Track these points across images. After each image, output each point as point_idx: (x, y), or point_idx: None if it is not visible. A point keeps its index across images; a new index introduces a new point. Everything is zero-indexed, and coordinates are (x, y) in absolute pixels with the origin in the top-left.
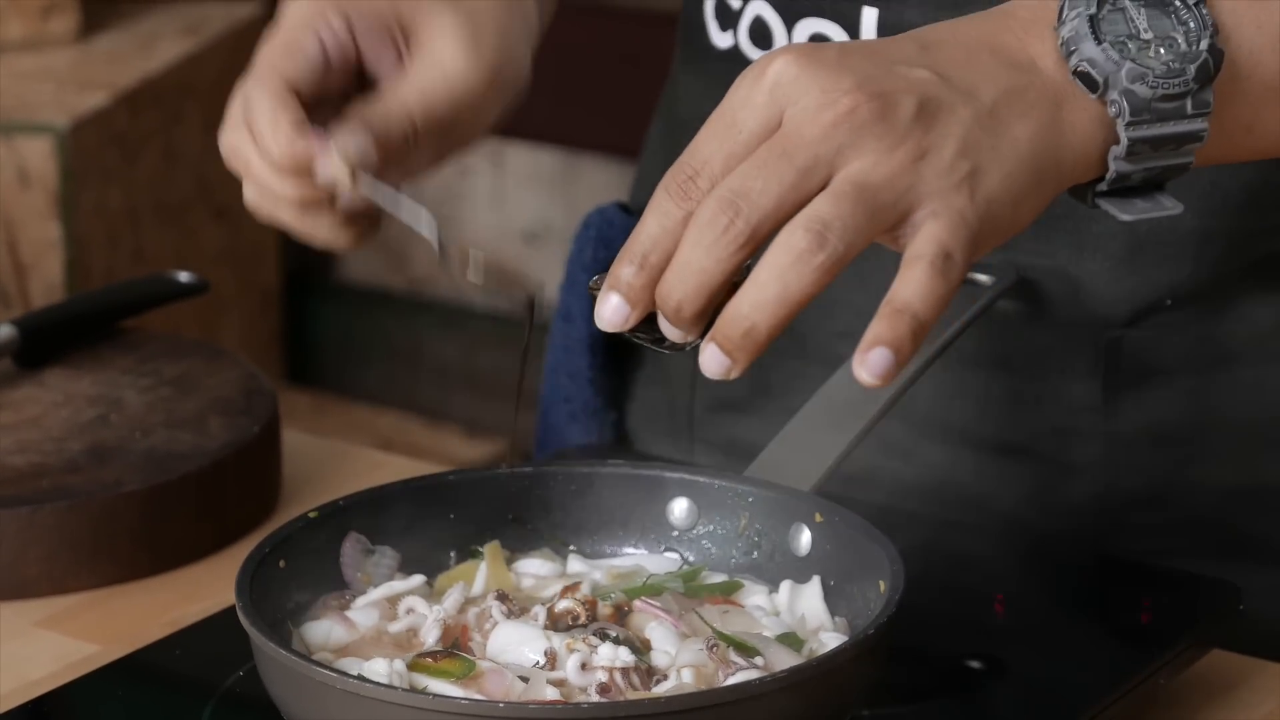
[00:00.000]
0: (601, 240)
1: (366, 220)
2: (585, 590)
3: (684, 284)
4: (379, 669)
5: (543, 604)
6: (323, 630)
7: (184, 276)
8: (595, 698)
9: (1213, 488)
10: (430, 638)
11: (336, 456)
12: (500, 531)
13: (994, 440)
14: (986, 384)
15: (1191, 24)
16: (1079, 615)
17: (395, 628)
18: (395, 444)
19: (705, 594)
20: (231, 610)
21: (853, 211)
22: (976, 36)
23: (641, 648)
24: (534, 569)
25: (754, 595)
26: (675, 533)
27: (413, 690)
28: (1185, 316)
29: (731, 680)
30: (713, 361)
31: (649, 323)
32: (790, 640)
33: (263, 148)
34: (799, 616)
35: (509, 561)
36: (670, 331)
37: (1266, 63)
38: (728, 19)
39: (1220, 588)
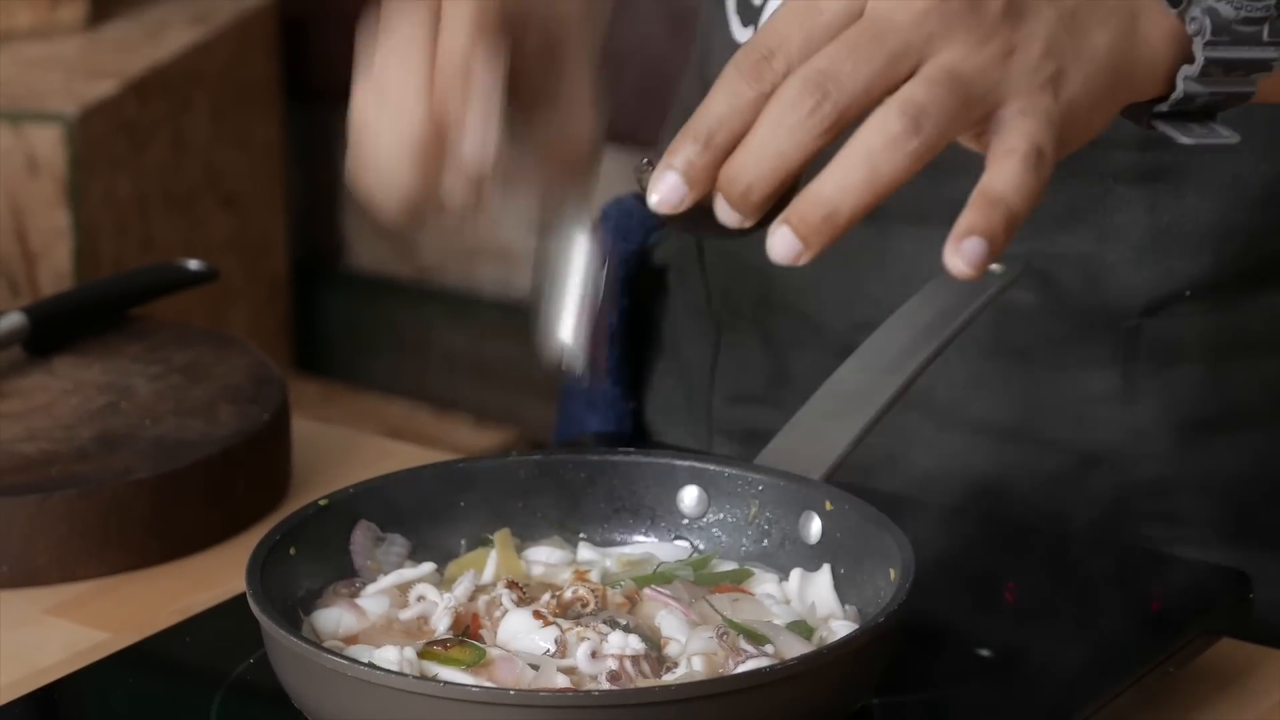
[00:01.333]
0: (619, 231)
1: (429, 208)
2: (595, 578)
3: (759, 165)
4: (389, 657)
5: (553, 591)
6: (333, 618)
7: (193, 264)
8: (605, 685)
9: (1229, 477)
10: (441, 625)
11: (346, 444)
12: (511, 519)
13: (1013, 429)
14: (1005, 373)
15: None
16: (1089, 603)
17: (406, 615)
18: (403, 433)
19: (715, 582)
20: (241, 598)
21: (948, 98)
22: None
23: (651, 636)
24: (544, 557)
25: (764, 583)
26: (685, 521)
27: (423, 678)
28: (1204, 307)
29: (742, 668)
30: (784, 245)
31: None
32: (800, 628)
33: (444, 46)
34: (809, 605)
35: (519, 549)
36: (728, 216)
37: None
38: (749, 14)
39: (1231, 576)
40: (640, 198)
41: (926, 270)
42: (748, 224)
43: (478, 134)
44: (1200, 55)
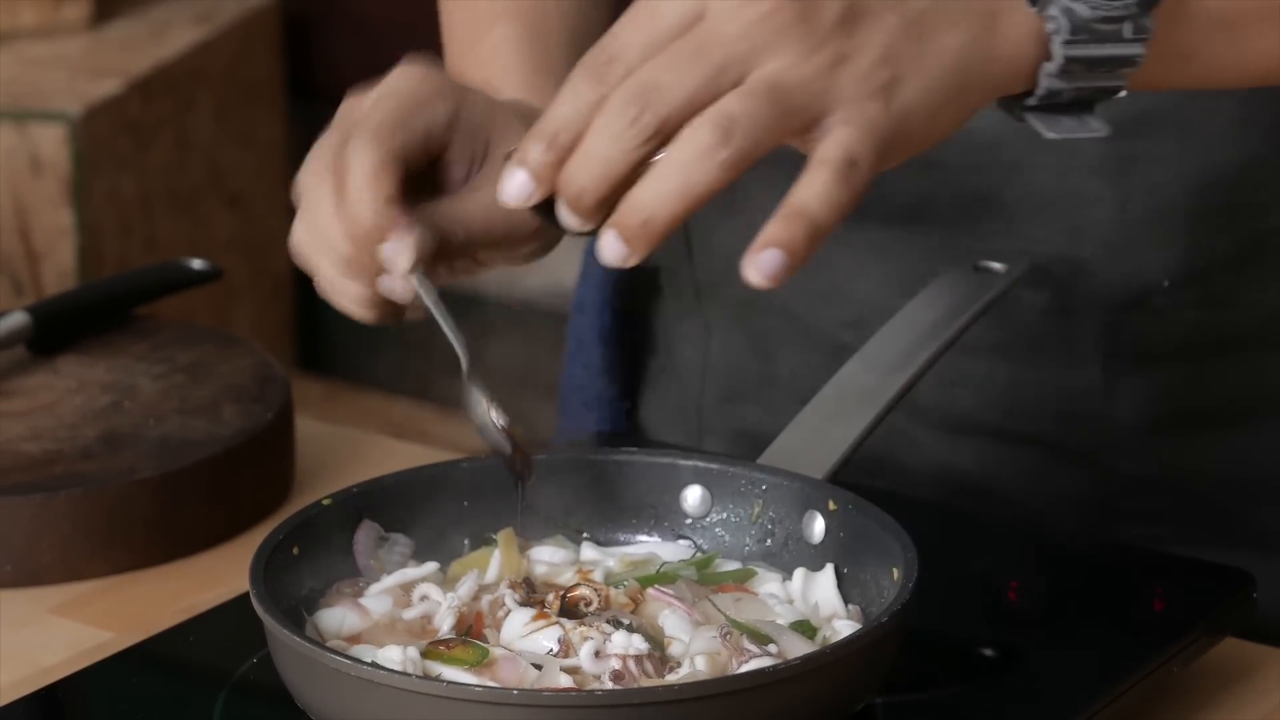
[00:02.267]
0: None
1: (393, 308)
2: (598, 578)
3: (587, 171)
4: (393, 656)
5: (555, 591)
6: (336, 617)
7: (197, 264)
8: (609, 685)
9: (1212, 476)
10: (445, 625)
11: (349, 444)
12: (514, 519)
13: (994, 428)
14: (986, 372)
15: None
16: (1092, 603)
17: (409, 615)
18: (407, 432)
19: (718, 582)
20: (245, 597)
21: (761, 110)
22: None
23: (655, 636)
24: (547, 556)
25: (767, 583)
26: (689, 520)
27: (427, 678)
28: (1183, 300)
29: (745, 668)
30: (609, 249)
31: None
32: (804, 628)
33: (348, 202)
34: (812, 604)
35: (522, 549)
36: (568, 219)
37: None
38: None
39: (1234, 575)
40: None
41: (909, 269)
42: (587, 227)
43: (395, 246)
44: (1059, 54)
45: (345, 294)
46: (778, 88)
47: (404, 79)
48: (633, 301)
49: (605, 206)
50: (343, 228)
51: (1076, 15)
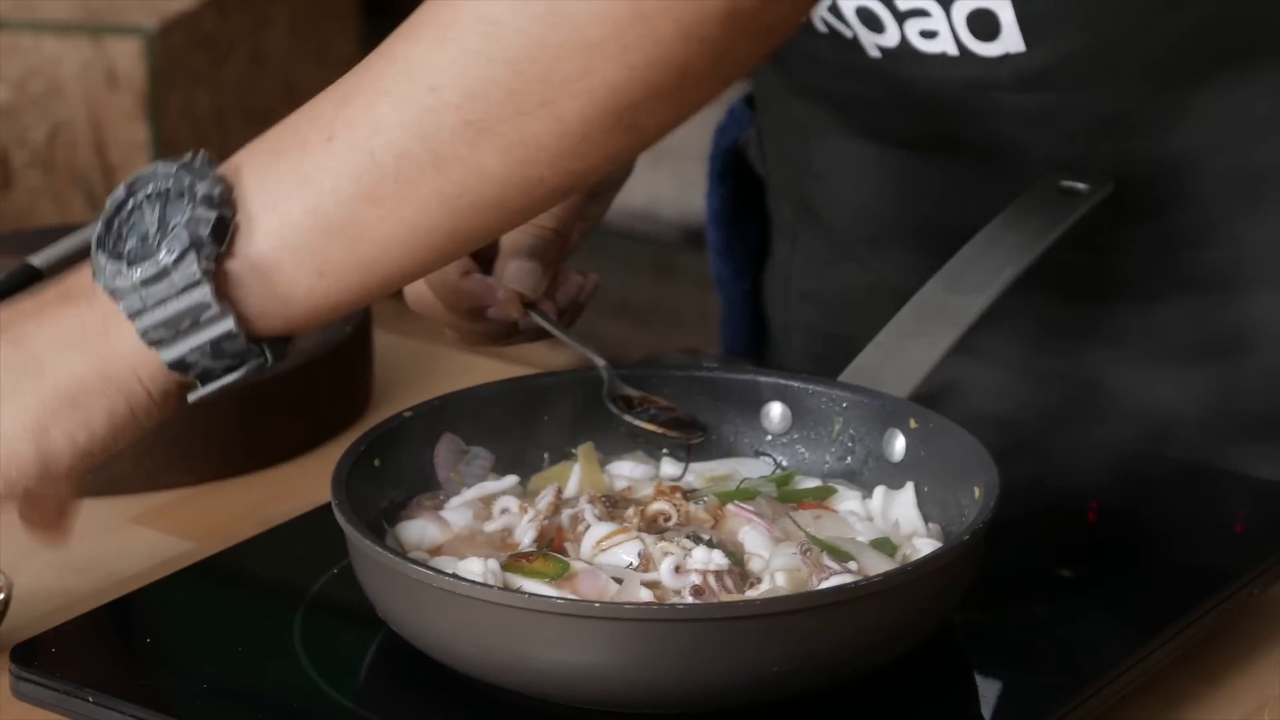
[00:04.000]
0: (719, 128)
1: (528, 334)
2: (678, 494)
3: None
4: (474, 568)
5: (636, 505)
6: (417, 530)
7: None
8: (690, 600)
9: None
10: (526, 538)
11: (427, 358)
12: (594, 433)
13: (984, 347)
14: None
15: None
16: (1172, 525)
17: (490, 528)
18: (480, 351)
19: (798, 499)
20: (324, 509)
21: None
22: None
23: (735, 551)
24: (627, 471)
25: (847, 501)
26: (769, 437)
27: (508, 590)
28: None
29: (825, 584)
30: None
31: None
32: (884, 546)
33: (435, 290)
34: (892, 522)
35: (602, 464)
36: None
37: (282, 210)
38: None
39: None
40: (747, 101)
41: (925, 191)
42: None
43: (497, 312)
44: (135, 327)
45: (493, 341)
46: None
47: None
48: (742, 191)
49: None
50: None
51: (121, 288)
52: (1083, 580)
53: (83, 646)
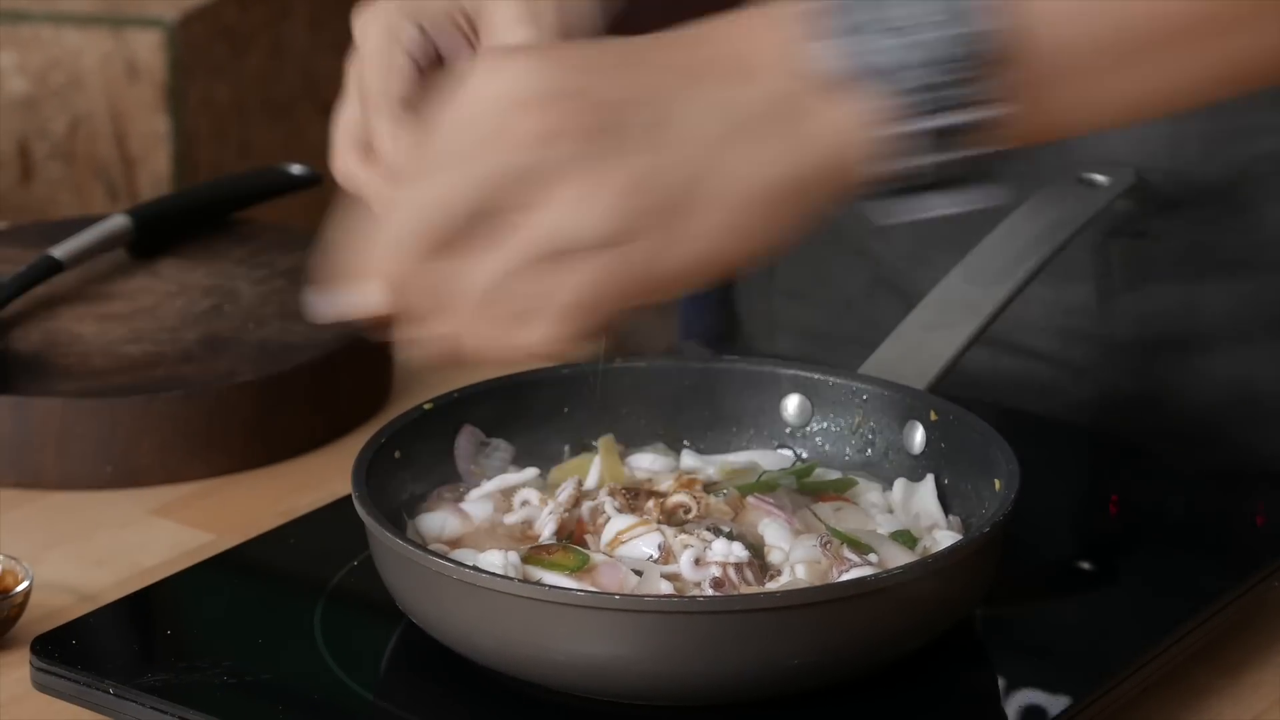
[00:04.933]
0: None
1: None
2: (698, 486)
3: (373, 276)
4: (494, 560)
5: (656, 497)
6: (437, 522)
7: (296, 169)
8: (710, 592)
9: (1201, 397)
10: (546, 530)
11: None
12: (614, 425)
13: (1002, 339)
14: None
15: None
16: (1193, 518)
17: (510, 520)
18: None
19: (819, 491)
20: (344, 501)
21: (513, 267)
22: (692, 56)
23: (755, 544)
24: (647, 463)
25: (868, 492)
26: (789, 429)
27: (528, 582)
28: (1179, 224)
29: (846, 577)
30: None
31: None
32: (904, 538)
33: (388, 167)
34: (913, 514)
35: (623, 455)
36: None
37: (1070, 32)
38: None
39: None
40: None
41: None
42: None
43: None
44: (896, 132)
45: None
46: (533, 236)
47: (365, 32)
48: None
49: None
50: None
51: (899, 91)
52: (1103, 573)
53: (103, 638)
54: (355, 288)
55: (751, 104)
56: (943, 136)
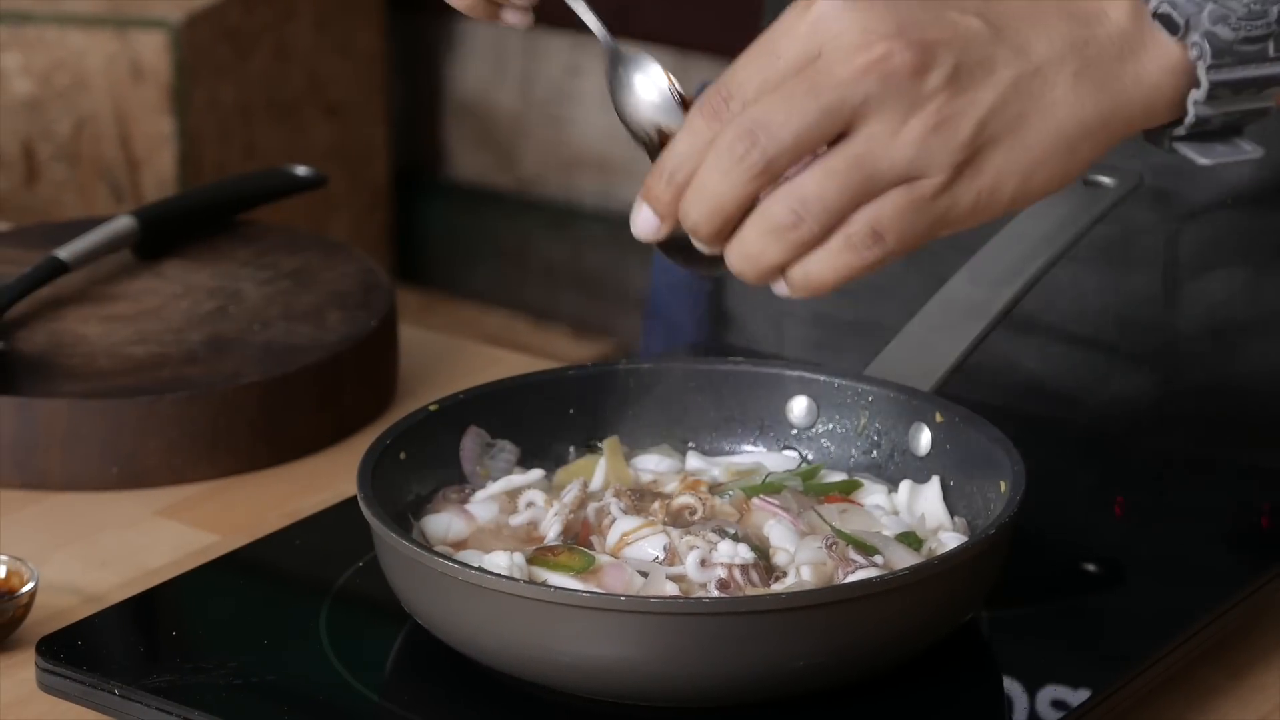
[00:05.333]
0: None
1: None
2: (704, 488)
3: (700, 205)
4: (499, 562)
5: (661, 499)
6: (442, 523)
7: (301, 171)
8: (715, 593)
9: (1266, 383)
10: (552, 532)
11: (452, 352)
12: (619, 427)
13: (1058, 329)
14: (1051, 275)
15: None
16: (1198, 519)
17: (515, 521)
18: (503, 343)
19: (824, 492)
20: (349, 502)
21: (836, 192)
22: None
23: (760, 545)
24: (652, 465)
25: (873, 494)
26: (794, 431)
27: (533, 583)
28: (1244, 215)
29: (851, 578)
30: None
31: (684, 254)
32: (909, 539)
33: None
34: (918, 516)
35: (628, 457)
36: (698, 244)
37: None
38: None
39: None
40: None
41: None
42: (715, 252)
43: None
44: (1205, 80)
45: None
46: (859, 162)
47: None
48: None
49: (723, 236)
50: None
51: (1219, 38)
52: (1109, 575)
53: (108, 639)
54: (675, 206)
55: (1099, 43)
56: (1239, 89)
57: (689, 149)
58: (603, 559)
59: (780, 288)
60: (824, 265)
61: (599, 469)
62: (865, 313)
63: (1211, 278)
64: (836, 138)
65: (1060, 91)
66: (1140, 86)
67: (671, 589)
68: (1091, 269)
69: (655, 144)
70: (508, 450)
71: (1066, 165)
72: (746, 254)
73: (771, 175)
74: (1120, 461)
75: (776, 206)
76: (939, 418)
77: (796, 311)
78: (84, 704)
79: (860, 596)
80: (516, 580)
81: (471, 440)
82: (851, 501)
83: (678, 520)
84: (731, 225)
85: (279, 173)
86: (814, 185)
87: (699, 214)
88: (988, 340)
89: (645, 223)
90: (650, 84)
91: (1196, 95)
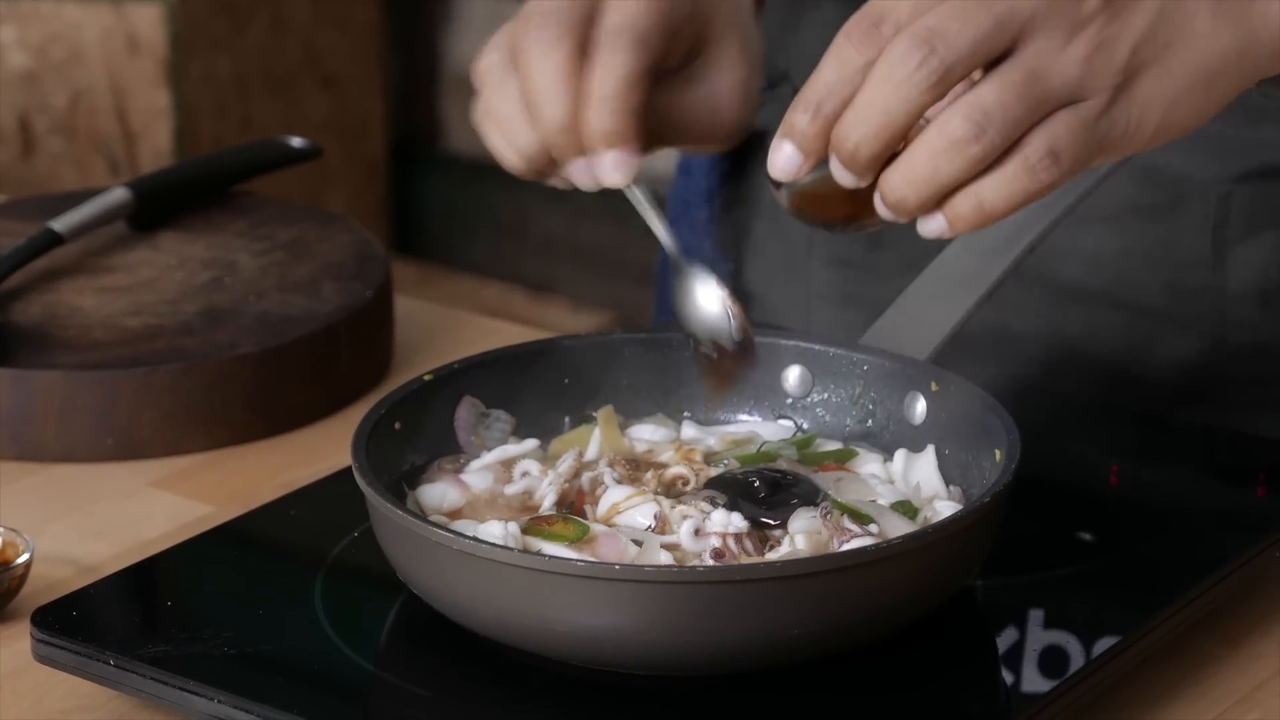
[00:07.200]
0: None
1: (547, 172)
2: (699, 457)
3: (866, 123)
4: (494, 531)
5: (655, 468)
6: (437, 493)
7: (297, 142)
8: (709, 562)
9: None
10: (546, 501)
11: (447, 323)
12: (614, 396)
13: (1104, 294)
14: (1098, 238)
15: None
16: (1193, 488)
17: (510, 490)
18: (499, 315)
19: (819, 461)
20: (344, 473)
21: (1016, 104)
22: None
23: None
24: (647, 434)
25: (868, 463)
26: (789, 400)
27: (528, 552)
28: None
29: (846, 547)
30: (784, 159)
31: (821, 207)
32: (904, 508)
33: (589, 105)
34: (913, 485)
35: (622, 427)
36: (842, 176)
37: None
38: None
39: None
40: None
41: None
42: (862, 184)
43: (620, 160)
44: None
45: (515, 145)
46: (1035, 76)
47: None
48: (742, 164)
49: (880, 162)
50: (564, 119)
51: None
52: (1104, 543)
53: (104, 610)
54: (821, 139)
55: None
56: None
57: (838, 76)
58: (597, 528)
59: (933, 223)
60: (999, 190)
61: (594, 439)
62: (896, 293)
63: (1261, 240)
64: (999, 58)
65: (1201, 23)
66: (1268, 28)
67: (666, 558)
68: (1138, 234)
69: (711, 353)
70: (503, 420)
71: (1204, 101)
72: (914, 177)
73: (947, 85)
74: (1116, 431)
75: (956, 119)
76: (934, 387)
77: (827, 294)
78: (80, 674)
79: (855, 565)
80: (511, 550)
81: (466, 410)
82: (847, 470)
83: (671, 490)
84: (895, 145)
85: (274, 144)
86: (994, 96)
87: (863, 133)
88: (1029, 309)
89: (788, 160)
90: (711, 296)
91: None
